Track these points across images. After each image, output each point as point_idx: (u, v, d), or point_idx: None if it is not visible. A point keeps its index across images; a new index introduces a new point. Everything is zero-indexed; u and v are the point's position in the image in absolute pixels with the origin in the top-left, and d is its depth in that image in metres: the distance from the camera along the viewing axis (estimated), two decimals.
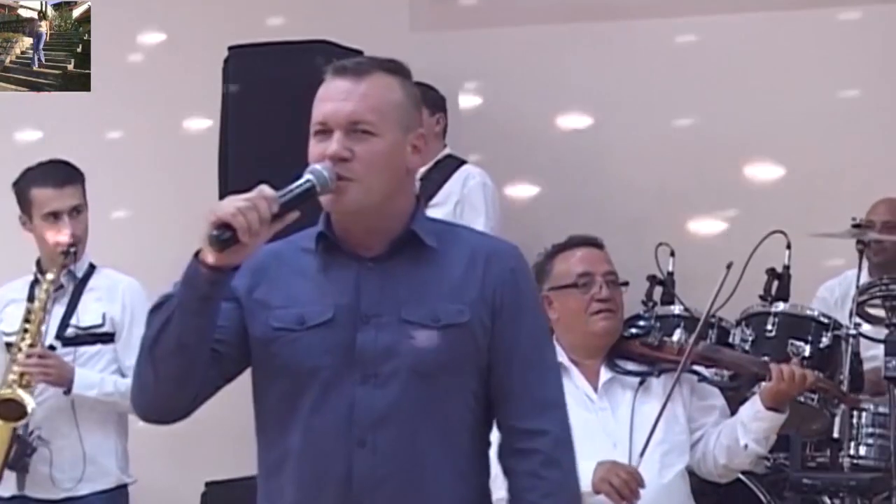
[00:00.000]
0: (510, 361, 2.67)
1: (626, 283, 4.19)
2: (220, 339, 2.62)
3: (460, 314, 2.62)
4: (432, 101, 5.86)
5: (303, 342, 2.62)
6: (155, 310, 2.61)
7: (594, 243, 4.17)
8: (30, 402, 4.45)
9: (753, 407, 3.98)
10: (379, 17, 6.54)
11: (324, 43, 6.07)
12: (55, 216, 4.58)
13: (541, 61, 6.39)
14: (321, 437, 2.61)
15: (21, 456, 4.49)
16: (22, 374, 4.48)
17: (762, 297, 4.78)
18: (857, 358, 4.63)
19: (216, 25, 6.60)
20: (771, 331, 4.60)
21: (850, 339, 4.61)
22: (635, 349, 4.14)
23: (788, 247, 4.82)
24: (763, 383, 4.11)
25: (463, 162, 5.92)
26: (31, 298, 4.61)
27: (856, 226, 5.02)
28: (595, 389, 4.00)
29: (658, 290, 5.04)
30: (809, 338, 4.58)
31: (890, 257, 5.36)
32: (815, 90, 6.09)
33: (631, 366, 4.07)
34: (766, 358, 4.35)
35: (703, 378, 4.13)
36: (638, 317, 4.39)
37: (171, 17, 6.84)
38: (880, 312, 4.81)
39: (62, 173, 4.64)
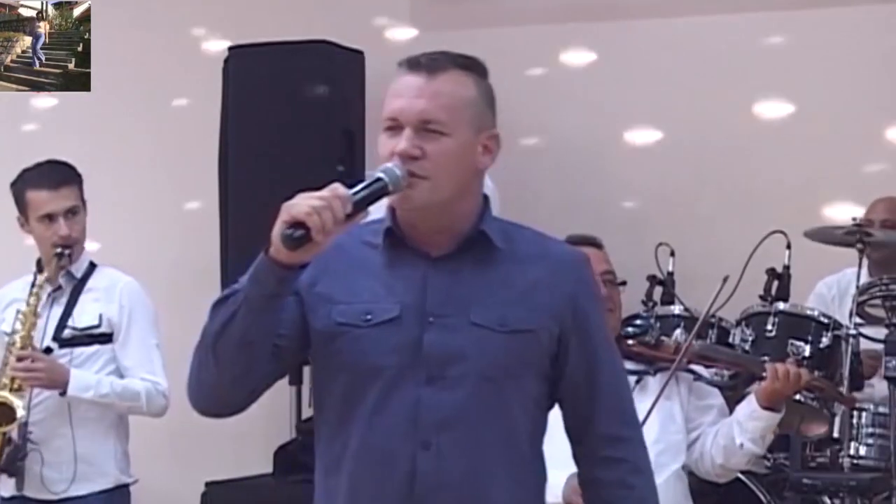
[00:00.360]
0: (588, 370, 2.65)
1: (623, 283, 4.19)
2: (280, 333, 2.60)
3: (528, 320, 2.60)
4: None
5: (367, 339, 2.60)
6: (218, 304, 2.59)
7: (592, 243, 4.17)
8: (19, 407, 4.45)
9: (749, 406, 3.99)
10: (379, 17, 6.54)
11: (324, 43, 6.07)
12: (50, 218, 4.58)
13: (541, 61, 6.39)
14: (384, 436, 2.58)
15: (13, 460, 4.49)
16: (13, 379, 4.49)
17: (762, 297, 4.78)
18: (857, 358, 4.63)
19: (216, 25, 6.60)
20: (771, 331, 4.60)
21: (850, 339, 4.61)
22: (633, 348, 4.15)
23: (788, 247, 4.82)
24: (759, 382, 4.11)
25: None
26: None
27: (856, 226, 5.02)
28: None
29: (658, 290, 5.05)
30: (809, 338, 4.58)
31: (889, 254, 5.36)
32: (816, 90, 6.08)
33: (628, 365, 4.05)
34: (764, 357, 4.36)
35: (699, 377, 4.14)
36: (636, 316, 4.39)
37: (171, 17, 6.83)
38: (880, 312, 4.81)
39: (58, 175, 4.63)
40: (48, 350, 4.56)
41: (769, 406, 3.97)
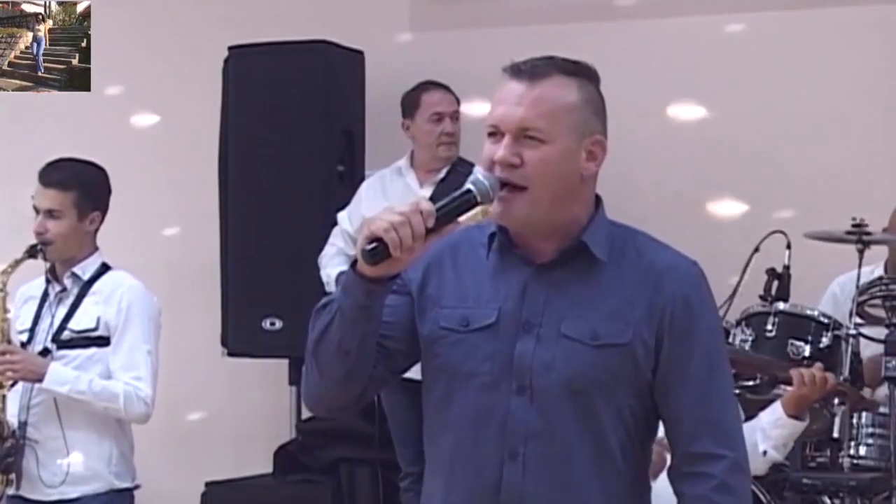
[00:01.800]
0: (680, 385, 2.59)
1: None
2: (388, 335, 2.62)
3: (621, 334, 2.57)
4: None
5: (465, 344, 2.61)
6: (318, 312, 2.61)
7: None
8: None
9: (774, 413, 3.96)
10: (379, 17, 6.53)
11: (324, 43, 6.08)
12: (36, 211, 4.63)
13: None
14: (474, 444, 2.59)
15: (5, 457, 4.49)
16: None
17: (762, 297, 4.78)
18: (857, 358, 4.63)
19: (216, 25, 6.60)
20: (771, 331, 4.60)
21: (850, 339, 4.61)
22: None
23: (788, 247, 4.82)
24: (784, 387, 4.09)
25: (472, 164, 5.90)
26: (43, 297, 4.64)
27: (856, 226, 5.01)
28: None
29: None
30: (809, 338, 4.58)
31: None
32: (816, 90, 6.08)
33: None
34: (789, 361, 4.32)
35: None
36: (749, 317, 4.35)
37: (171, 17, 6.83)
38: (880, 312, 4.81)
39: (57, 175, 4.64)
40: (45, 351, 4.56)
41: (795, 414, 3.94)
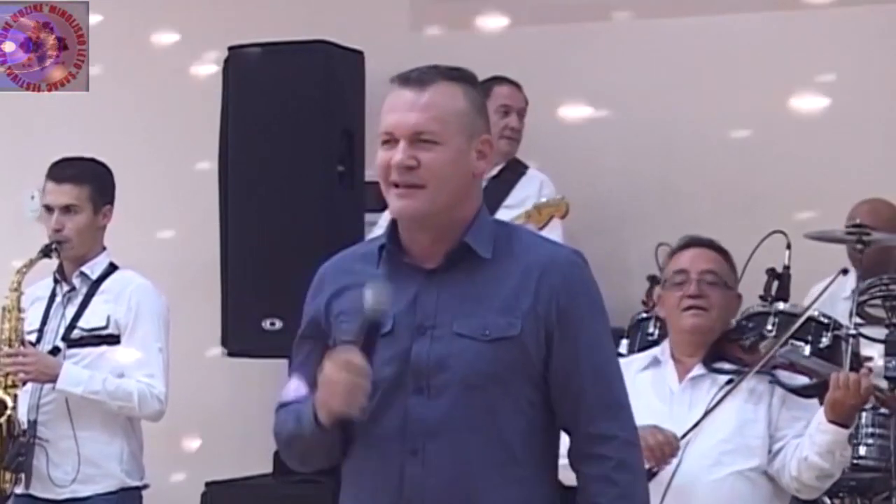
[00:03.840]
0: (573, 370, 2.72)
1: (732, 288, 4.15)
2: None
3: (511, 327, 2.69)
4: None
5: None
6: (280, 410, 2.80)
7: (705, 243, 4.20)
8: (9, 402, 4.48)
9: (818, 419, 3.94)
10: (379, 17, 6.54)
11: (324, 43, 6.07)
12: (48, 209, 4.64)
13: (541, 61, 6.38)
14: (378, 446, 2.71)
15: (16, 456, 4.49)
16: (6, 375, 4.51)
17: (762, 297, 4.78)
18: (857, 358, 4.62)
19: (216, 25, 6.59)
20: (771, 331, 4.59)
21: (850, 339, 4.60)
22: (733, 351, 4.14)
23: (788, 247, 4.82)
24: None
25: (526, 165, 5.91)
26: (51, 297, 4.64)
27: (856, 226, 5.01)
28: (680, 382, 4.03)
29: (658, 291, 5.04)
30: (809, 338, 4.57)
31: (879, 258, 5.32)
32: (816, 90, 6.08)
33: (727, 366, 4.07)
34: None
35: (774, 381, 4.09)
36: (744, 323, 4.34)
37: (171, 18, 6.83)
38: (880, 312, 4.80)
39: (69, 170, 4.68)
40: (56, 350, 4.57)
41: (835, 419, 3.87)
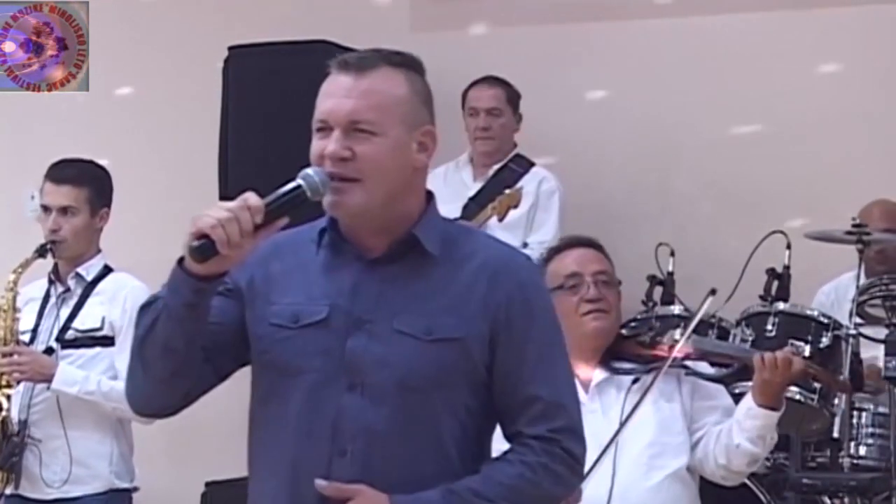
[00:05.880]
0: (523, 372, 2.56)
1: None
2: (215, 337, 2.56)
3: (456, 329, 2.52)
4: (515, 100, 5.95)
5: (295, 341, 2.55)
6: (143, 310, 2.55)
7: (587, 243, 4.09)
8: (4, 403, 4.49)
9: (746, 404, 3.90)
10: (379, 17, 6.54)
11: (324, 43, 6.07)
12: (46, 210, 4.63)
13: (541, 61, 6.39)
14: (304, 440, 2.55)
15: (9, 456, 4.49)
16: (1, 375, 4.52)
17: (762, 297, 4.78)
18: (857, 358, 4.63)
19: (216, 25, 6.60)
20: (771, 331, 4.59)
21: (850, 339, 4.61)
22: (631, 349, 4.07)
23: (788, 247, 4.82)
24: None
25: (532, 163, 5.92)
26: (45, 298, 4.64)
27: (856, 226, 5.01)
28: (587, 391, 3.92)
29: (658, 290, 5.04)
30: (809, 338, 4.57)
31: (889, 263, 5.35)
32: (816, 90, 6.08)
33: (626, 365, 3.99)
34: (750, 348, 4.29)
35: (692, 372, 4.06)
36: (634, 318, 4.32)
37: (171, 18, 6.84)
38: (880, 312, 4.81)
39: (68, 171, 4.67)
40: (49, 350, 4.57)
41: (765, 403, 3.83)
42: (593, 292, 3.91)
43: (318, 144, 2.53)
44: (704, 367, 4.14)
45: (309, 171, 2.51)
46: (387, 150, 2.52)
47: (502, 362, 2.56)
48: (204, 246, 2.39)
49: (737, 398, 4.06)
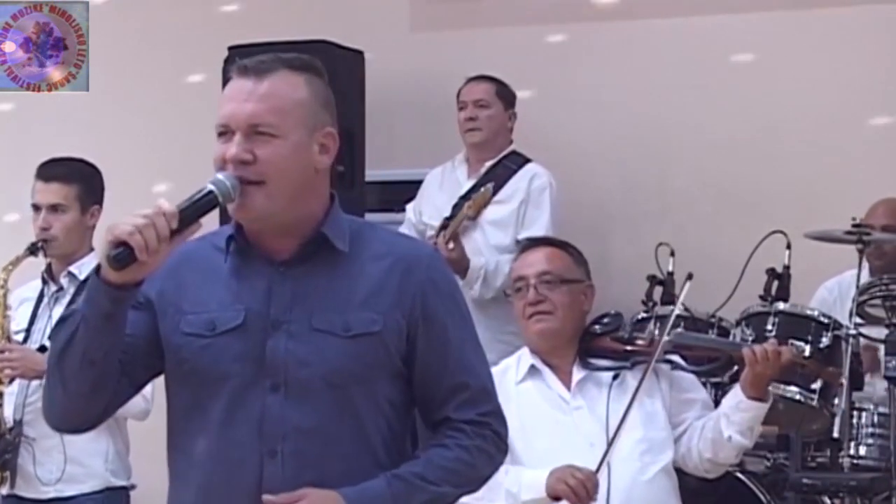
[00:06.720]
0: (445, 361, 2.64)
1: (577, 282, 4.09)
2: (129, 349, 2.59)
3: (373, 323, 2.57)
4: (507, 96, 5.91)
5: (213, 348, 2.58)
6: (60, 323, 2.57)
7: (538, 243, 4.16)
8: None
9: (735, 398, 3.92)
10: (379, 17, 6.54)
11: (324, 43, 6.07)
12: (36, 208, 4.63)
13: (541, 61, 6.39)
14: (231, 445, 2.57)
15: (2, 454, 4.50)
16: None
17: (762, 297, 4.78)
18: (856, 358, 4.63)
19: (216, 25, 6.60)
20: (771, 331, 4.59)
21: (850, 339, 4.61)
22: (607, 345, 4.08)
23: (788, 247, 4.82)
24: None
25: (527, 160, 5.91)
26: (39, 298, 4.64)
27: (856, 226, 5.01)
28: (569, 389, 3.96)
29: (658, 290, 5.04)
30: (809, 338, 4.58)
31: (891, 260, 5.35)
32: (816, 90, 6.08)
33: (604, 362, 4.02)
34: (740, 341, 4.30)
35: (675, 365, 4.07)
36: (604, 315, 4.29)
37: (171, 18, 6.84)
38: (880, 312, 4.81)
39: (57, 169, 4.67)
40: (43, 348, 4.56)
41: (754, 395, 3.88)
42: (532, 295, 3.97)
43: (219, 148, 2.57)
44: (678, 360, 4.15)
45: (220, 175, 2.54)
46: (287, 152, 2.56)
47: (424, 353, 2.63)
48: (122, 254, 2.42)
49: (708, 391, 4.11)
